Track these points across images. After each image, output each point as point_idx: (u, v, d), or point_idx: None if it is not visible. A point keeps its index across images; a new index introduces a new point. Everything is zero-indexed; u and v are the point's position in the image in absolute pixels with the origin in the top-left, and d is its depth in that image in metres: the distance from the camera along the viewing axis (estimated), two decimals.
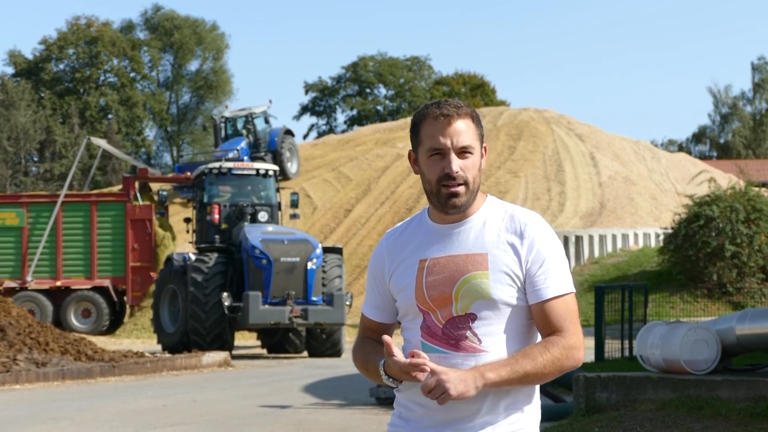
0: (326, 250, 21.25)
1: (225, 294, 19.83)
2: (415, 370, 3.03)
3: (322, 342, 20.93)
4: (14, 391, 15.11)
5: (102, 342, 23.29)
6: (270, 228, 20.94)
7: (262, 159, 34.24)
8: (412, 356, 3.07)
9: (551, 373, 3.11)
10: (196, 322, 20.00)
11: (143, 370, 17.50)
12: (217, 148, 34.73)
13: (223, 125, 36.01)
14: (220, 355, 19.13)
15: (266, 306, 19.70)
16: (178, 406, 13.19)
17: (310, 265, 20.07)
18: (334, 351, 20.90)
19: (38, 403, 13.66)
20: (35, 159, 62.28)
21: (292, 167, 37.01)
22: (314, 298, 20.18)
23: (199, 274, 20.12)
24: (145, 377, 17.16)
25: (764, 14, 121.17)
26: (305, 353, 21.83)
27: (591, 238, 30.26)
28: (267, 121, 36.25)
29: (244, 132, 35.43)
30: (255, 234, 20.36)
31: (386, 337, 3.10)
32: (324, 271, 20.71)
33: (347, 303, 20.39)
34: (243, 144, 34.22)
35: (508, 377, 3.06)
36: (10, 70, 68.55)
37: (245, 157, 32.51)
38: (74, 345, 17.90)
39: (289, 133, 36.98)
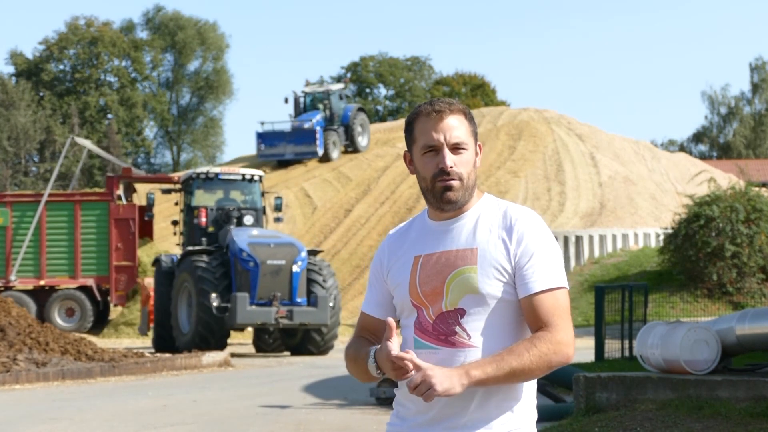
0: (311, 253, 21.74)
1: (213, 295, 20.31)
2: (399, 363, 3.03)
3: (317, 342, 21.36)
4: (14, 391, 15.11)
5: (101, 342, 23.31)
6: (257, 231, 21.45)
7: (335, 132, 39.27)
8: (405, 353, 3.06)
9: (539, 369, 3.07)
10: (206, 325, 20.37)
11: (143, 370, 17.50)
12: (295, 119, 39.14)
13: (302, 99, 39.85)
14: (220, 355, 19.19)
15: (253, 307, 20.19)
16: (178, 406, 13.19)
17: (295, 267, 20.59)
18: (326, 350, 21.47)
19: (38, 403, 13.66)
20: (35, 159, 62.27)
21: (362, 141, 40.76)
22: (299, 300, 20.70)
23: (207, 278, 20.56)
24: (145, 377, 17.16)
25: (761, 15, 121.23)
26: (287, 353, 22.20)
27: (591, 238, 30.25)
28: (341, 98, 40.12)
29: (321, 107, 39.35)
30: (242, 237, 20.84)
31: (390, 319, 3.09)
32: (321, 275, 21.14)
33: (330, 305, 20.83)
34: (319, 117, 38.80)
35: (494, 374, 3.03)
36: (10, 70, 68.61)
37: (319, 128, 38.16)
38: (74, 345, 17.90)
39: (361, 110, 41.39)
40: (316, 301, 20.49)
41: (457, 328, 3.13)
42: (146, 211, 24.85)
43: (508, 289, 3.14)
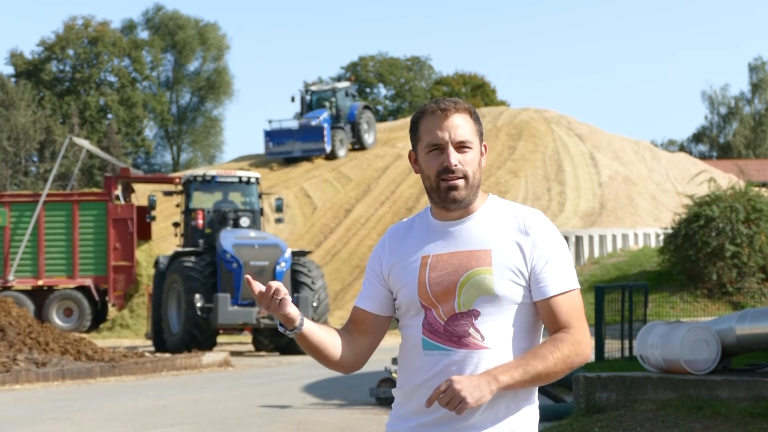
0: (300, 254, 22.18)
1: (197, 295, 20.70)
2: (247, 284, 3.10)
3: None
4: (14, 391, 15.11)
5: (99, 342, 23.32)
6: (245, 233, 21.79)
7: (342, 129, 40.02)
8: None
9: (562, 371, 3.09)
10: (193, 325, 20.83)
11: (143, 370, 17.50)
12: (302, 117, 39.88)
13: (308, 98, 40.51)
14: (220, 355, 19.22)
15: (235, 307, 20.57)
16: (178, 406, 13.19)
17: (278, 268, 20.93)
18: None
19: (38, 403, 13.66)
20: (35, 159, 62.21)
21: (369, 138, 41.32)
22: None
23: (194, 279, 21.04)
24: (145, 377, 17.16)
25: (761, 15, 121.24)
26: (276, 353, 22.43)
27: (591, 238, 30.25)
28: (347, 95, 40.78)
29: (327, 104, 40.01)
30: (228, 239, 21.24)
31: (247, 276, 3.16)
32: (309, 276, 21.50)
33: (314, 305, 21.13)
34: (325, 114, 39.31)
35: (521, 379, 3.04)
36: (10, 70, 68.55)
37: (326, 125, 38.76)
38: (74, 345, 17.89)
39: (367, 108, 41.88)
40: (298, 301, 20.78)
41: (471, 330, 3.12)
42: (148, 212, 24.89)
43: (522, 291, 3.15)
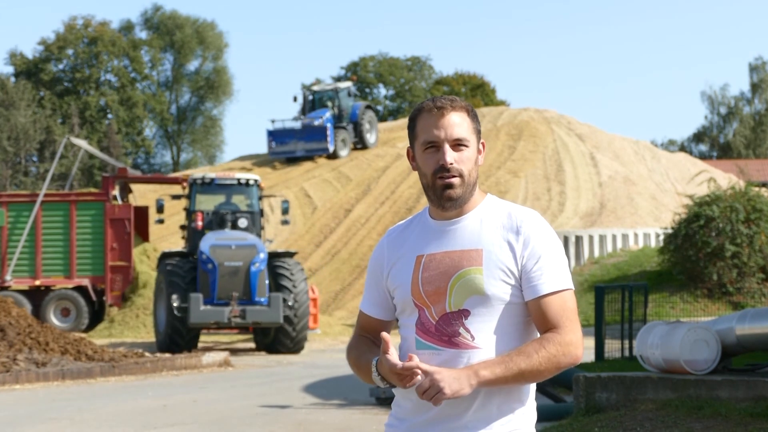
0: (286, 255, 22.42)
1: (175, 295, 20.99)
2: (407, 372, 3.01)
3: (284, 342, 21.85)
4: (14, 391, 15.11)
5: (98, 342, 23.33)
6: (227, 234, 22.00)
7: (344, 129, 40.30)
8: (409, 359, 3.04)
9: (547, 370, 3.07)
10: (172, 325, 21.03)
11: (143, 370, 17.50)
12: (305, 117, 40.04)
13: (311, 98, 40.83)
14: (220, 355, 19.25)
15: (207, 306, 20.80)
16: (178, 406, 13.19)
17: (253, 268, 21.16)
18: (297, 349, 21.90)
19: (38, 403, 13.66)
20: (35, 159, 62.20)
21: (371, 138, 41.50)
22: (260, 299, 21.21)
23: (175, 280, 21.32)
24: (145, 377, 17.17)
25: (761, 15, 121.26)
26: (263, 352, 22.65)
27: (591, 238, 30.24)
28: (349, 95, 41.03)
29: (330, 104, 40.29)
30: (209, 240, 21.52)
31: (384, 334, 3.08)
32: (291, 278, 21.71)
33: (290, 303, 21.30)
34: (328, 114, 39.63)
35: (503, 375, 3.03)
36: (10, 70, 68.52)
37: (329, 125, 39.10)
38: (74, 345, 17.89)
39: (369, 107, 42.17)
40: (269, 300, 21.01)
41: (461, 329, 3.11)
42: (151, 214, 24.94)
43: (513, 291, 3.13)
